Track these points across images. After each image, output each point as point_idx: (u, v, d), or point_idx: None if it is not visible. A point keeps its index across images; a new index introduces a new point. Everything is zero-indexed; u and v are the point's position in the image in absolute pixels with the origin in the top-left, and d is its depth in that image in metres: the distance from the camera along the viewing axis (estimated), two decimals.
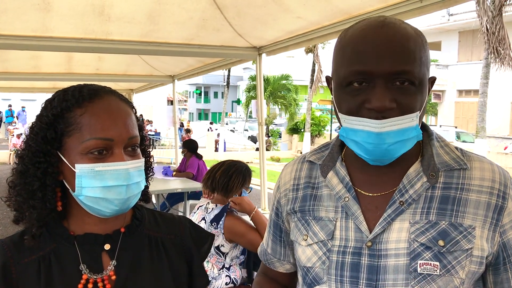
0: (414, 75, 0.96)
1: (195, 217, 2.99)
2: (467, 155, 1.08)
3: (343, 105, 1.01)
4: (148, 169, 1.17)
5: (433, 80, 1.07)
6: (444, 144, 1.10)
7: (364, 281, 1.02)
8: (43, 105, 1.06)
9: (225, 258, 2.85)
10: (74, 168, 0.99)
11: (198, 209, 3.04)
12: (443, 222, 1.01)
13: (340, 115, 1.03)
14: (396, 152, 0.98)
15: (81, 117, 1.00)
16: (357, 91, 0.98)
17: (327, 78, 1.12)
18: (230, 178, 2.97)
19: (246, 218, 2.98)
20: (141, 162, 1.06)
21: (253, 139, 26.69)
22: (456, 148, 1.11)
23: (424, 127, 1.13)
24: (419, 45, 0.99)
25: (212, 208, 2.91)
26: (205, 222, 2.87)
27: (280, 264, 1.29)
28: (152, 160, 1.21)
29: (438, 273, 0.98)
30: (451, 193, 1.03)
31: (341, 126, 1.04)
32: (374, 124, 0.95)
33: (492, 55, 14.24)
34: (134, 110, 1.10)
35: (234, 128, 32.79)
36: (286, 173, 1.25)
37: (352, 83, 0.98)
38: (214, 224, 2.82)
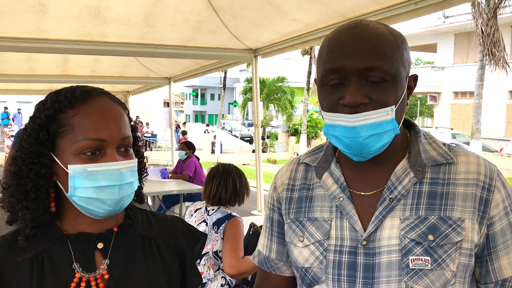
0: (384, 71, 0.99)
1: (192, 220, 2.99)
2: (454, 150, 1.11)
3: (323, 103, 1.06)
4: (142, 169, 1.17)
5: (415, 77, 1.10)
6: (432, 141, 1.13)
7: (360, 280, 1.04)
8: (36, 107, 1.06)
9: (221, 262, 2.85)
10: (67, 168, 1.00)
11: (195, 211, 3.03)
12: (432, 216, 1.03)
13: (322, 112, 1.08)
14: (373, 145, 1.01)
15: (74, 118, 1.01)
16: (333, 89, 1.03)
17: (315, 80, 1.15)
18: (245, 185, 3.04)
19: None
20: (134, 162, 1.07)
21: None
22: (444, 144, 1.13)
23: (412, 126, 1.16)
24: (391, 43, 1.02)
25: (214, 210, 2.92)
26: (207, 225, 2.87)
27: (287, 267, 1.25)
28: (146, 161, 1.21)
29: (430, 268, 1.00)
30: (438, 188, 1.05)
31: (324, 123, 1.08)
32: (348, 118, 1.00)
33: (487, 57, 14.30)
34: (127, 111, 1.11)
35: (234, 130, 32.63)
36: (282, 174, 1.27)
37: (328, 81, 1.03)
38: (215, 228, 2.83)
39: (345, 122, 1.00)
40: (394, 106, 1.01)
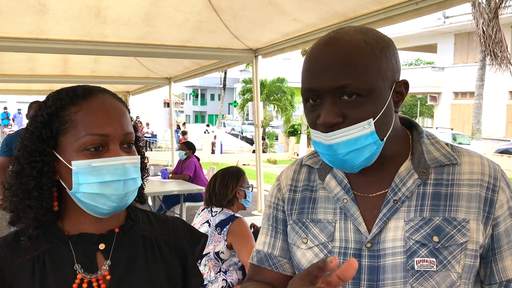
0: (357, 87, 0.98)
1: (198, 219, 3.00)
2: (457, 150, 1.10)
3: (307, 119, 1.08)
4: (143, 169, 1.17)
5: (404, 83, 1.07)
6: (434, 141, 1.12)
7: (365, 282, 1.03)
8: (37, 106, 1.06)
9: (222, 264, 2.85)
10: (71, 165, 1.00)
11: (202, 211, 3.04)
12: (437, 218, 1.02)
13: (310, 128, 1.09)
14: (353, 161, 1.01)
15: (76, 114, 1.01)
16: (313, 107, 1.04)
17: None
18: (227, 186, 3.01)
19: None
20: (137, 158, 1.07)
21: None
22: (447, 144, 1.12)
23: (414, 126, 1.16)
24: (365, 56, 0.99)
25: (217, 212, 2.92)
26: (209, 226, 2.87)
27: (290, 265, 1.22)
28: (147, 161, 1.21)
29: (435, 269, 1.00)
30: (442, 189, 1.05)
31: None
32: (324, 137, 1.01)
33: (489, 58, 14.31)
34: (128, 109, 1.11)
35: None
36: (286, 175, 1.26)
37: (308, 99, 1.04)
38: (218, 229, 2.83)
39: (322, 140, 1.02)
40: (372, 119, 1.00)
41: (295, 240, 1.16)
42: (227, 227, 2.82)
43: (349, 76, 0.98)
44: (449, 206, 1.03)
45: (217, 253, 2.81)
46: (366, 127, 0.99)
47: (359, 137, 0.99)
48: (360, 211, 1.07)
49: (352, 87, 0.98)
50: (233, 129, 33.00)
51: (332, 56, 1.00)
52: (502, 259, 1.05)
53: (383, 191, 1.08)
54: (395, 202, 1.05)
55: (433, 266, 1.00)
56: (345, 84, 0.98)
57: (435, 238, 1.00)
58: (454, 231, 1.01)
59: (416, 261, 1.00)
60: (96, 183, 0.99)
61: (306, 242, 1.13)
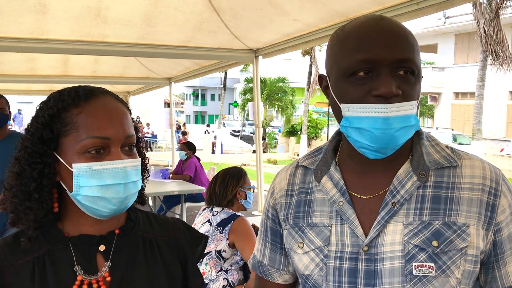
0: (415, 64, 0.99)
1: (200, 219, 3.00)
2: (457, 153, 1.08)
3: (346, 96, 1.01)
4: (144, 170, 1.16)
5: (421, 77, 1.08)
6: (434, 143, 1.10)
7: (362, 286, 1.01)
8: (38, 107, 1.06)
9: (224, 263, 2.85)
10: (71, 168, 0.99)
11: (203, 210, 3.05)
12: (437, 222, 1.00)
13: (342, 105, 1.02)
14: (401, 139, 0.97)
15: (78, 116, 1.00)
16: (361, 80, 0.98)
17: (321, 77, 1.12)
18: (227, 186, 3.01)
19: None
20: (138, 161, 1.06)
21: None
22: (447, 146, 1.10)
23: None
24: (414, 39, 1.02)
25: (218, 211, 2.92)
26: (211, 225, 2.88)
27: (279, 274, 1.23)
28: (148, 162, 1.21)
29: (434, 274, 0.97)
30: (442, 192, 1.02)
31: (343, 117, 1.02)
32: (381, 108, 0.95)
33: (491, 58, 14.32)
34: (129, 111, 1.11)
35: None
36: (280, 179, 1.23)
37: (356, 72, 0.99)
38: (220, 228, 2.84)
39: (377, 113, 0.95)
40: (417, 101, 1.00)
41: (292, 245, 1.14)
42: (228, 225, 2.82)
43: (411, 51, 0.98)
44: (449, 210, 1.01)
45: (218, 252, 2.81)
46: (414, 107, 0.98)
47: (412, 115, 0.98)
48: (357, 214, 1.05)
49: (412, 62, 0.98)
50: (243, 130, 32.44)
51: (393, 30, 0.99)
52: (505, 265, 1.02)
53: (381, 193, 1.05)
54: (394, 204, 1.02)
55: (431, 271, 0.97)
56: (408, 58, 0.97)
57: (434, 243, 0.98)
58: (454, 235, 0.98)
59: (415, 265, 0.98)
60: (96, 186, 0.98)
61: (302, 247, 1.10)
